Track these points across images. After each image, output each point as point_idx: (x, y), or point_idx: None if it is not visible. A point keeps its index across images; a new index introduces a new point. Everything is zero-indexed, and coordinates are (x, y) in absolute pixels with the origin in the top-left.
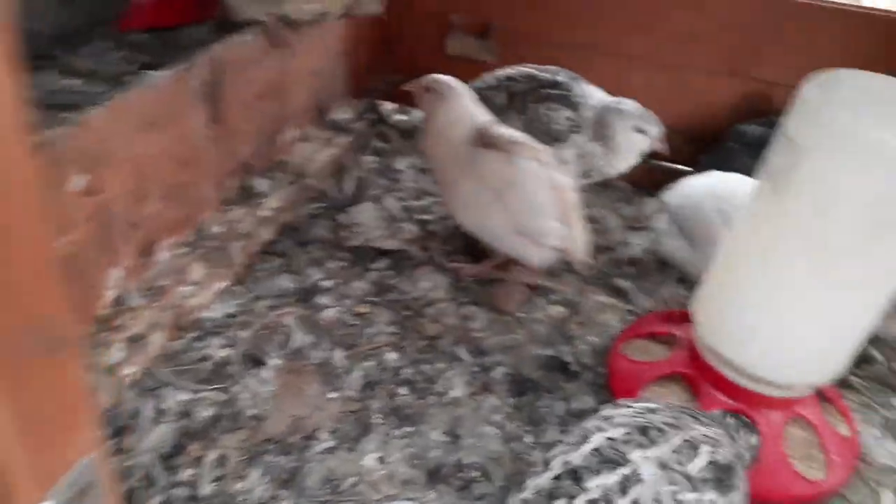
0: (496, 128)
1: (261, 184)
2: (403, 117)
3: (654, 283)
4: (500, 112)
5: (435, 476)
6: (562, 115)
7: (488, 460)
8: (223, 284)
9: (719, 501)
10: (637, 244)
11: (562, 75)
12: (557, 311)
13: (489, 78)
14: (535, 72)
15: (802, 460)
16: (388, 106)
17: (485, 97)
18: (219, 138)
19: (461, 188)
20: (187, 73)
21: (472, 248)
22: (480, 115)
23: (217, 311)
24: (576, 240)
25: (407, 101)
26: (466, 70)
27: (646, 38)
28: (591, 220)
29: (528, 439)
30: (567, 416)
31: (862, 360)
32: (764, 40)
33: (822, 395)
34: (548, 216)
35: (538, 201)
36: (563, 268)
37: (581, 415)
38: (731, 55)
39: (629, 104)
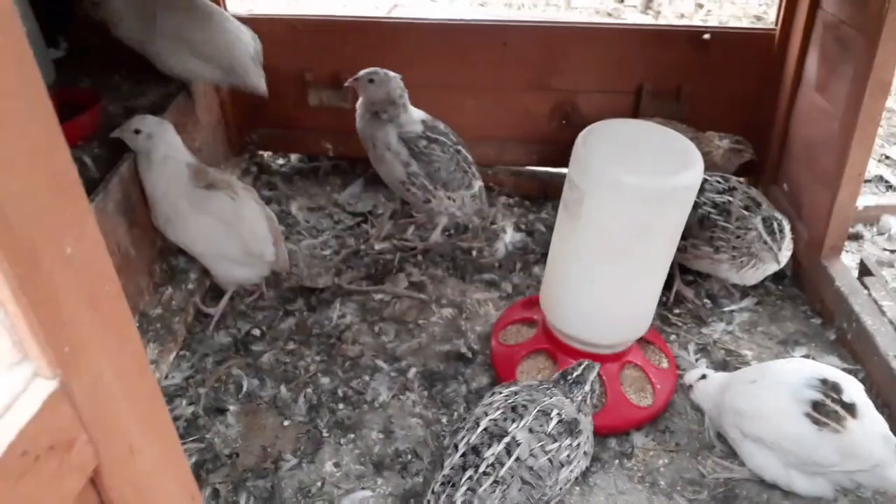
0: (213, 170)
1: (180, 261)
2: (282, 162)
3: (517, 273)
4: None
5: (379, 466)
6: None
7: (417, 444)
8: (174, 355)
9: (574, 443)
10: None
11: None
12: (448, 312)
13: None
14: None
15: (637, 393)
16: (266, 155)
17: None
18: (139, 239)
19: (195, 222)
20: (103, 202)
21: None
22: (187, 153)
23: (176, 378)
24: (281, 256)
25: (281, 147)
26: (328, 117)
27: (465, 69)
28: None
29: (444, 420)
30: (469, 395)
31: (677, 302)
32: (558, 60)
33: (645, 341)
34: (268, 241)
35: (260, 230)
36: (446, 274)
37: (479, 391)
38: (536, 74)
39: None
